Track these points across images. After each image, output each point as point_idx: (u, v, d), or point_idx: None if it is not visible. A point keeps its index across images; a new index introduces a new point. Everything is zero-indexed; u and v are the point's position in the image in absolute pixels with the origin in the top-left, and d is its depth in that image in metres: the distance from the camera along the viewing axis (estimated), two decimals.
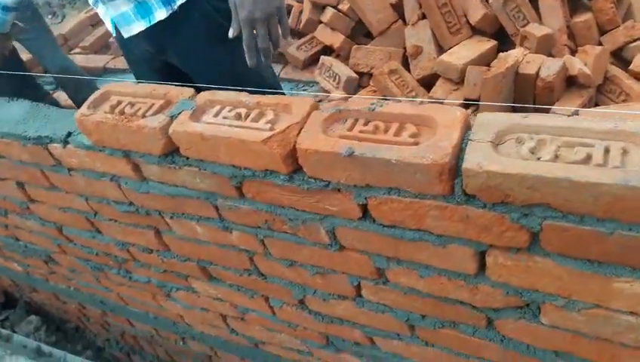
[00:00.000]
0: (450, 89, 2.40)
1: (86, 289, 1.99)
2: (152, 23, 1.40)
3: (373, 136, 0.83)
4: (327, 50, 3.16)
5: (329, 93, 2.88)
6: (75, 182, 1.33)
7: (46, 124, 1.27)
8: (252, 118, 0.96)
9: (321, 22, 3.16)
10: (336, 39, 3.02)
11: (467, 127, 0.80)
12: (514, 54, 2.12)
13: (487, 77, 2.09)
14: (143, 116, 1.05)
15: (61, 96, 3.53)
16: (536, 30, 2.24)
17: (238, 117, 0.98)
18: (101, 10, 1.48)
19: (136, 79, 1.67)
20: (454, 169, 0.76)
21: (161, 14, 1.39)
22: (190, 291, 1.52)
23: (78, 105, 2.89)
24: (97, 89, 2.86)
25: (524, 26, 2.35)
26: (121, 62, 3.93)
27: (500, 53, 2.17)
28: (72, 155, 1.23)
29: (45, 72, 3.77)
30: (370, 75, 2.73)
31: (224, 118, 0.98)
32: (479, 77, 2.21)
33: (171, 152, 1.06)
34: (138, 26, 1.41)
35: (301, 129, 0.90)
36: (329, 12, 3.02)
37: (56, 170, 1.32)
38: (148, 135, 1.03)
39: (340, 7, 3.03)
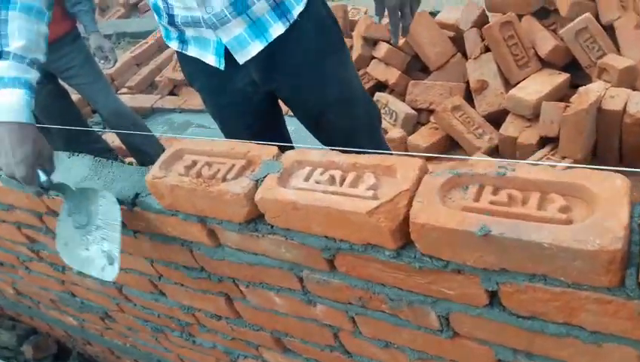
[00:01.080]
0: (522, 126, 2.24)
1: (143, 347, 1.89)
2: (269, 41, 1.28)
3: (509, 210, 0.69)
4: (381, 86, 3.05)
5: (386, 131, 2.76)
6: (140, 244, 1.23)
7: (111, 183, 1.18)
8: (349, 182, 0.84)
9: (373, 57, 3.06)
10: (391, 75, 2.91)
11: (632, 200, 0.65)
12: (595, 89, 1.94)
13: (567, 114, 1.92)
14: (224, 179, 0.94)
15: (109, 136, 3.52)
16: (616, 62, 2.06)
17: (332, 181, 0.86)
18: (194, 50, 1.35)
19: (222, 124, 1.56)
20: (626, 256, 0.61)
21: (277, 30, 1.27)
22: (260, 360, 1.39)
23: (130, 148, 2.87)
24: (149, 131, 2.84)
25: (599, 57, 2.18)
26: (168, 102, 3.93)
27: (580, 88, 2.00)
28: (139, 218, 1.13)
29: (94, 112, 3.80)
30: (430, 112, 2.60)
31: (316, 182, 0.86)
32: (557, 113, 2.04)
33: (254, 219, 0.95)
34: (255, 48, 1.28)
35: (412, 197, 0.77)
36: (383, 47, 2.92)
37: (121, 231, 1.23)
38: (230, 202, 0.92)
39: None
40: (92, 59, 2.50)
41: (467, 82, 2.61)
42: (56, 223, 1.23)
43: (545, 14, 2.49)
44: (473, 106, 2.47)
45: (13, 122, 1.03)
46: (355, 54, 3.12)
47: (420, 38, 2.70)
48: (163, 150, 2.89)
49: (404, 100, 2.79)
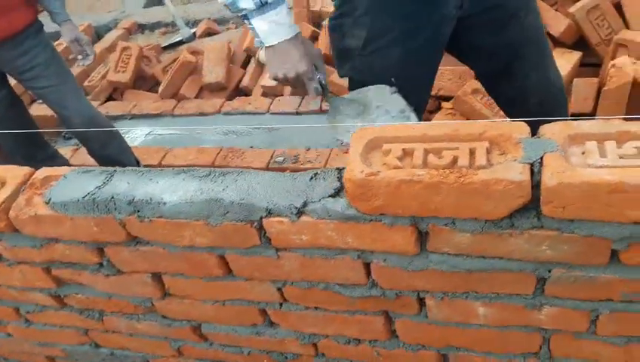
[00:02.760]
0: None
1: None
2: None
3: None
4: None
5: None
6: (278, 264, 0.97)
7: (248, 192, 0.91)
8: None
9: None
10: None
11: None
12: (628, 63, 1.97)
13: (609, 88, 1.92)
14: (473, 167, 0.74)
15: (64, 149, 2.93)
16: (635, 36, 2.11)
17: None
18: None
19: (407, 72, 1.28)
20: None
21: None
22: None
23: (103, 161, 2.41)
24: (124, 142, 2.39)
25: (608, 35, 2.23)
26: (113, 108, 3.22)
27: (615, 61, 2.01)
28: (303, 230, 0.88)
29: (62, 123, 3.10)
30: (438, 99, 2.51)
31: (620, 157, 0.70)
32: (591, 90, 2.05)
33: (510, 214, 0.76)
34: None
35: None
36: None
37: (254, 252, 0.96)
38: (497, 193, 0.72)
39: None
40: (59, 56, 2.04)
41: None
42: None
43: None
44: None
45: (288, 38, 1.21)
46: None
47: None
48: (138, 162, 2.47)
49: None
